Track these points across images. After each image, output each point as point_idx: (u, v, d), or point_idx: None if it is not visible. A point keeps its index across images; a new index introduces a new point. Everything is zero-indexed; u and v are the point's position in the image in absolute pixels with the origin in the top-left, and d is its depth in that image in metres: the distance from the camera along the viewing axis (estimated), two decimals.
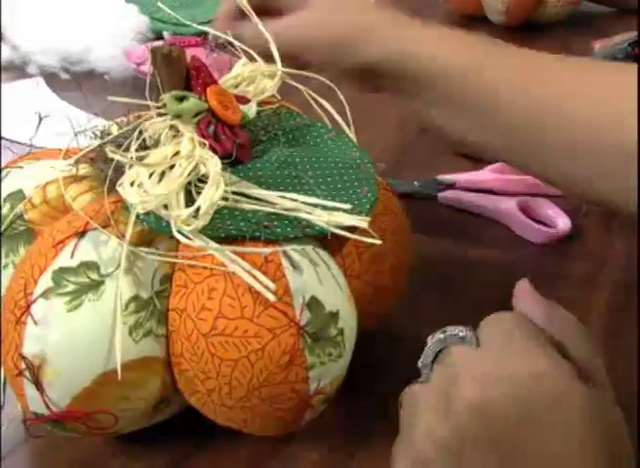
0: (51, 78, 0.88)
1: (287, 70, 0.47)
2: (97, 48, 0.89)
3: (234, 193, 0.38)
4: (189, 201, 0.37)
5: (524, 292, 0.37)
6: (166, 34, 0.92)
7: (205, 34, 0.81)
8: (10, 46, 0.91)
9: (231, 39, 0.47)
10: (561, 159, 0.45)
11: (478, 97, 0.47)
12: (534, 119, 0.45)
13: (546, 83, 0.46)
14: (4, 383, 0.39)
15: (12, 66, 0.90)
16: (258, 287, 0.35)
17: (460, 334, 0.34)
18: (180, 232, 0.36)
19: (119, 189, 0.37)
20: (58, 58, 0.89)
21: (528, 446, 0.30)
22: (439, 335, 0.35)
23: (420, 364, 0.36)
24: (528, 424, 0.30)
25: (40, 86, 0.87)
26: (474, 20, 1.18)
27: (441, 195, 0.68)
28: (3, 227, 0.40)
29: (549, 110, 0.45)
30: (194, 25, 0.52)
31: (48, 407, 0.36)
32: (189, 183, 0.38)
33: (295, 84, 0.47)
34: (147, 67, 0.42)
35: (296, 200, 0.38)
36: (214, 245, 0.36)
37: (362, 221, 0.37)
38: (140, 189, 0.37)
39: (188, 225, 0.36)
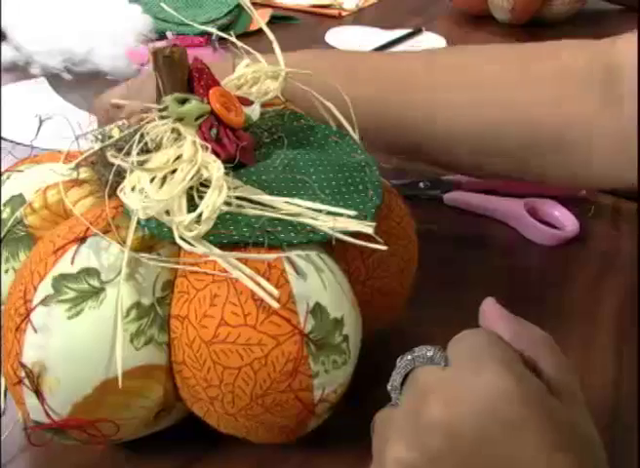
0: (54, 79, 0.87)
1: (290, 70, 0.46)
2: (100, 48, 0.88)
3: (237, 198, 0.37)
4: (191, 206, 0.36)
5: (490, 309, 0.36)
6: (169, 34, 0.92)
7: (208, 34, 0.80)
8: (13, 46, 0.90)
9: (234, 39, 0.47)
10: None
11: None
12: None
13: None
14: (4, 391, 0.38)
15: (15, 67, 0.90)
16: (261, 293, 0.34)
17: (429, 355, 0.33)
18: (182, 238, 0.35)
19: (120, 195, 0.37)
20: (61, 58, 0.88)
21: (499, 465, 0.29)
22: (407, 357, 0.34)
23: (389, 387, 0.35)
24: (499, 443, 0.29)
25: (43, 86, 0.86)
26: (480, 19, 1.17)
27: (447, 196, 0.68)
28: (3, 232, 0.40)
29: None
30: (197, 26, 0.52)
31: (48, 415, 0.36)
32: (191, 188, 0.37)
33: (299, 85, 0.46)
34: (150, 68, 0.41)
35: (300, 205, 0.37)
36: (216, 251, 0.35)
37: (368, 227, 0.37)
38: (142, 194, 0.36)
39: (191, 231, 0.35)
